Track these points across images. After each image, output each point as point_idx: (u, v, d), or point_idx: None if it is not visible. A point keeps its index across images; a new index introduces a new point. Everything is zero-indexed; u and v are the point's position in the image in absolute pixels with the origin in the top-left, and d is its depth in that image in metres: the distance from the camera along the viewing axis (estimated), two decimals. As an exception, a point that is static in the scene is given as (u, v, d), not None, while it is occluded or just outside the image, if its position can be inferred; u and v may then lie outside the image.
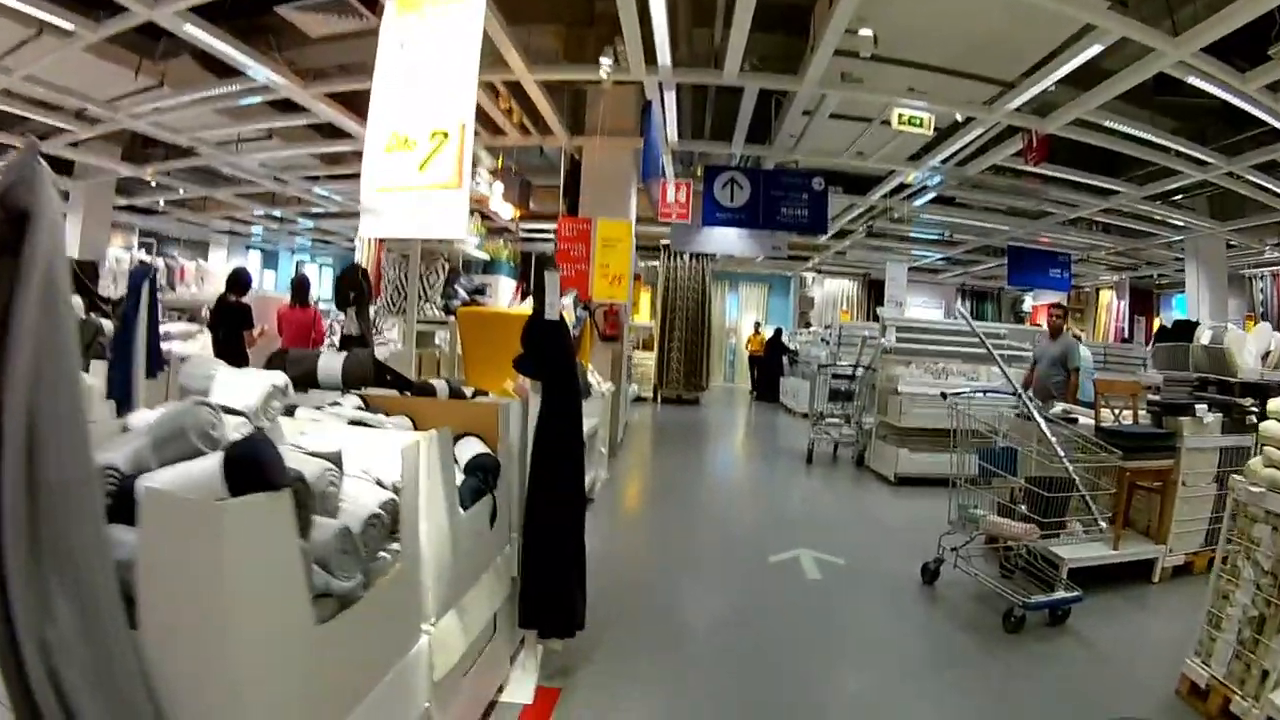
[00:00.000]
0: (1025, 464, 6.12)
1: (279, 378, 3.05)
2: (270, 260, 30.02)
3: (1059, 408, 7.35)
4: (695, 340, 21.00)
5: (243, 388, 2.94)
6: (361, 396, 4.03)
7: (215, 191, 18.26)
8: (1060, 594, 5.56)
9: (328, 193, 17.89)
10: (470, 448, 3.77)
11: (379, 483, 2.80)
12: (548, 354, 4.20)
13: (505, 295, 8.68)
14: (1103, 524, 5.80)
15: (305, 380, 4.04)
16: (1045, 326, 10.29)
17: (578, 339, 7.67)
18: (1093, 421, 6.86)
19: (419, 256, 7.01)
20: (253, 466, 2.05)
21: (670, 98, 10.46)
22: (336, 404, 3.89)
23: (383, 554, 2.60)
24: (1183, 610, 5.70)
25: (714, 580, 6.52)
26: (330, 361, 4.17)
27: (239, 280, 9.47)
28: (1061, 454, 5.68)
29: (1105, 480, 5.97)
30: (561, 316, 4.27)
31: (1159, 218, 15.46)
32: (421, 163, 4.07)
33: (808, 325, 27.05)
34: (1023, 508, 5.77)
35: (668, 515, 8.59)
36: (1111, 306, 24.68)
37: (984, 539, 6.14)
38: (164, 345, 8.70)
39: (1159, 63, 7.81)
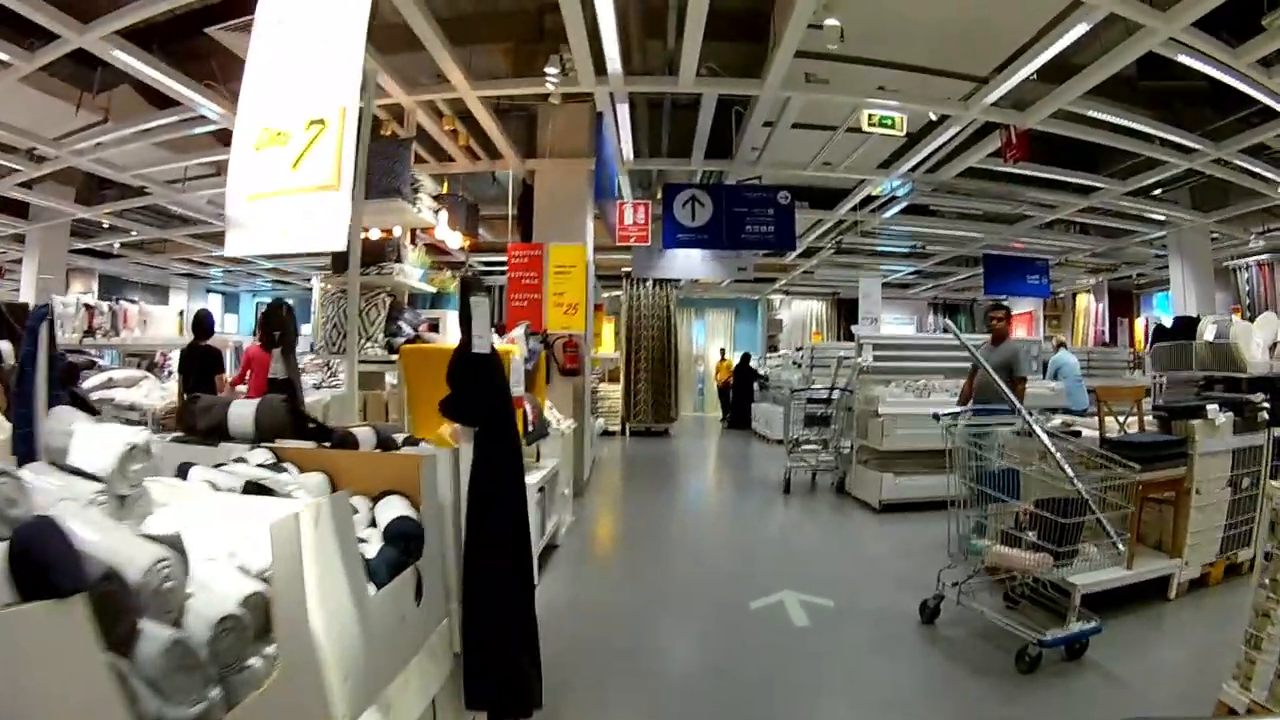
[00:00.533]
0: (1029, 486, 5.54)
1: (139, 434, 2.43)
2: (231, 303, 29.91)
3: (1056, 420, 6.80)
4: (662, 370, 20.31)
5: (99, 446, 2.38)
6: (274, 450, 3.41)
7: (170, 233, 17.86)
8: (1077, 626, 5.01)
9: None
10: (392, 509, 3.14)
11: (245, 570, 2.17)
12: (478, 394, 3.57)
13: (456, 330, 8.13)
14: (1120, 546, 5.23)
15: (216, 431, 3.52)
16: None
17: (532, 374, 7.09)
18: (1095, 433, 6.35)
19: (356, 290, 6.40)
20: (33, 565, 1.46)
21: (624, 112, 10.01)
22: (241, 459, 3.27)
23: (252, 662, 1.98)
24: (1205, 628, 5.41)
25: (692, 633, 5.95)
26: (241, 410, 3.58)
27: (202, 324, 9.16)
28: (1070, 473, 5.12)
29: (1118, 497, 5.40)
30: (493, 349, 3.65)
31: (1140, 213, 15.17)
32: (295, 159, 3.33)
33: (775, 349, 26.63)
34: (1031, 535, 5.18)
35: (639, 559, 7.97)
36: (1090, 310, 24.27)
37: (986, 569, 5.56)
38: (108, 393, 8.41)
39: (1148, 41, 7.41)
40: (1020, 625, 5.04)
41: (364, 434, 3.81)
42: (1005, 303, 10.94)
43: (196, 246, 19.52)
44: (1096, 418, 6.73)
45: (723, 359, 25.57)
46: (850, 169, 12.52)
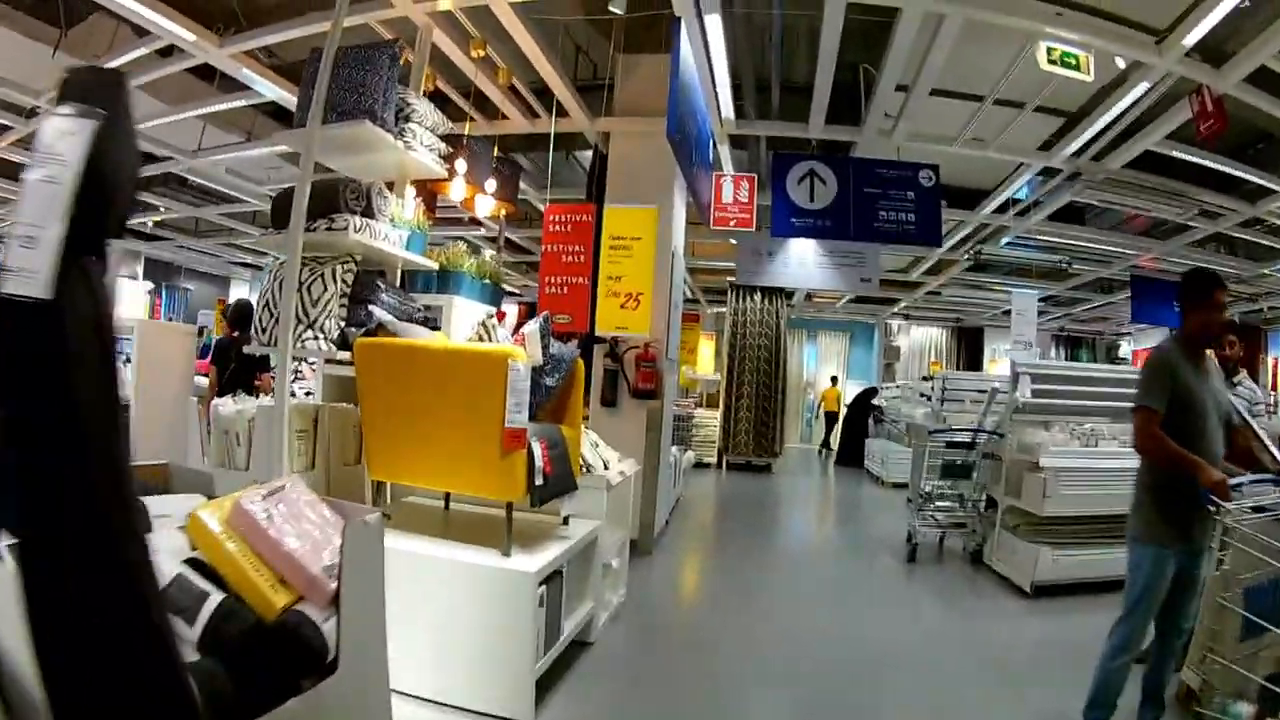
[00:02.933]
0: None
1: None
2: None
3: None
4: (768, 396, 17.62)
5: None
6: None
7: (203, 212, 16.35)
8: None
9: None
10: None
11: None
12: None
13: (464, 325, 5.78)
14: None
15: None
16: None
17: (559, 395, 4.91)
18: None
19: (298, 255, 4.32)
20: None
21: (719, 50, 7.66)
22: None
23: None
24: None
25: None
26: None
27: (243, 314, 8.57)
28: None
29: None
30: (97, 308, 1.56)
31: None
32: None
33: (892, 378, 24.26)
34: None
35: (702, 669, 5.39)
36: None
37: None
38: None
39: None
40: None
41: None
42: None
43: (233, 227, 18.01)
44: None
45: (833, 385, 23.28)
46: (1004, 148, 10.02)
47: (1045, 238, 14.44)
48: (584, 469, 5.38)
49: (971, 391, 11.91)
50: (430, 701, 4.20)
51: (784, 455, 18.34)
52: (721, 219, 10.60)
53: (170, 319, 20.86)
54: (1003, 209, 12.55)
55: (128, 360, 7.27)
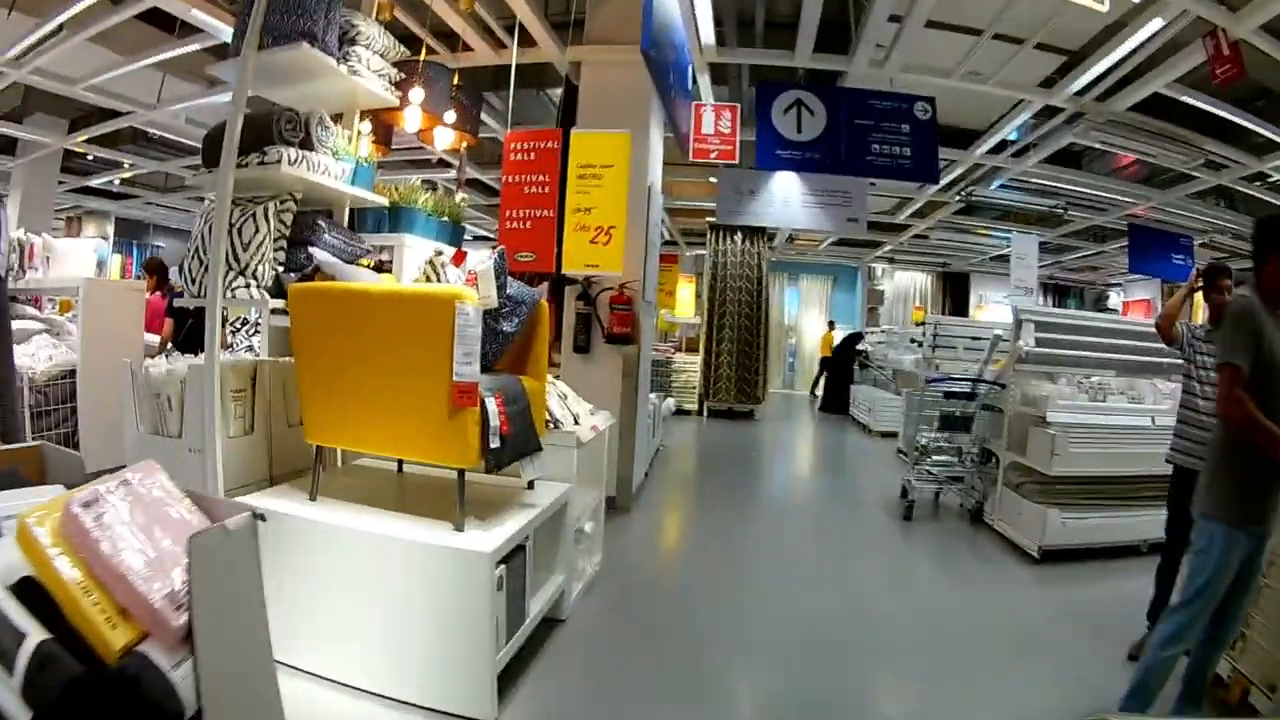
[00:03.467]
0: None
1: None
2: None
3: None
4: (750, 341, 17.02)
5: None
6: None
7: (167, 165, 15.54)
8: None
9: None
10: None
11: None
12: None
13: (413, 265, 5.14)
14: None
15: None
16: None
17: (520, 342, 4.31)
18: None
19: (228, 192, 3.73)
20: None
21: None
22: None
23: None
24: None
25: None
26: None
27: (155, 267, 8.97)
28: None
29: None
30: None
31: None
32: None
33: (875, 323, 23.81)
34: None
35: (693, 644, 4.85)
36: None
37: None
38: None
39: None
40: None
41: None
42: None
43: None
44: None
45: (830, 330, 22.73)
46: (1004, 83, 9.30)
47: (1042, 181, 13.75)
48: (551, 425, 4.76)
49: (964, 338, 11.41)
50: (384, 698, 3.64)
51: (766, 401, 17.77)
52: (701, 150, 9.82)
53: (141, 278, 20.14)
54: (997, 149, 11.93)
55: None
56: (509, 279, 4.09)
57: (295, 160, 4.06)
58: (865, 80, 9.39)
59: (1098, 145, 10.84)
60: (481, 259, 4.01)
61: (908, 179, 10.28)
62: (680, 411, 16.13)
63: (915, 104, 9.14)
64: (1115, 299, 24.74)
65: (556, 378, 6.15)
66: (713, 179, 12.58)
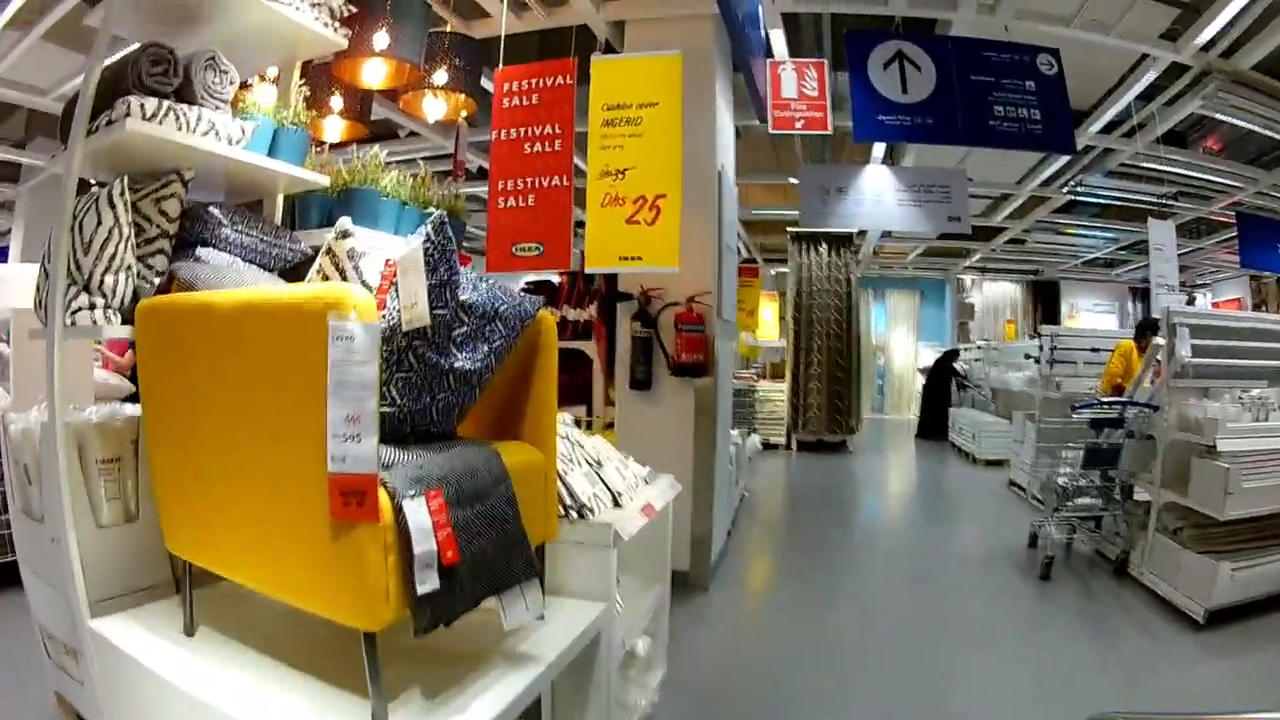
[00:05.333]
0: None
1: None
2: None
3: None
4: (839, 364, 15.51)
5: None
6: None
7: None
8: None
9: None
10: None
11: None
12: None
13: (379, 264, 3.40)
14: None
15: None
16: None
17: (485, 379, 2.55)
18: None
19: (72, 176, 2.62)
20: None
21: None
22: None
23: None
24: None
25: None
26: None
27: None
28: None
29: None
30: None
31: None
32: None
33: (968, 339, 22.44)
34: None
35: None
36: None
37: None
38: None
39: None
40: None
41: None
42: None
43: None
44: None
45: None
46: (1128, 34, 7.73)
47: (1152, 166, 11.84)
48: (571, 514, 3.22)
49: (1084, 350, 10.11)
50: None
51: (859, 430, 16.26)
52: (784, 119, 8.06)
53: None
54: (1107, 129, 10.39)
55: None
56: (460, 272, 2.52)
57: (155, 114, 2.80)
58: (973, 31, 7.96)
59: (1222, 114, 9.30)
60: (407, 243, 2.43)
61: (1039, 147, 8.69)
62: (766, 446, 14.57)
63: (1038, 56, 7.65)
64: (1202, 300, 22.88)
65: (609, 425, 4.80)
66: (793, 180, 11.14)
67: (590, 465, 3.57)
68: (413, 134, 10.66)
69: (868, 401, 22.14)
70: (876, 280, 23.85)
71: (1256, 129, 9.50)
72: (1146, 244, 17.26)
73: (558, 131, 5.71)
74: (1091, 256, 19.84)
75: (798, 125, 8.02)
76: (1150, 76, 8.61)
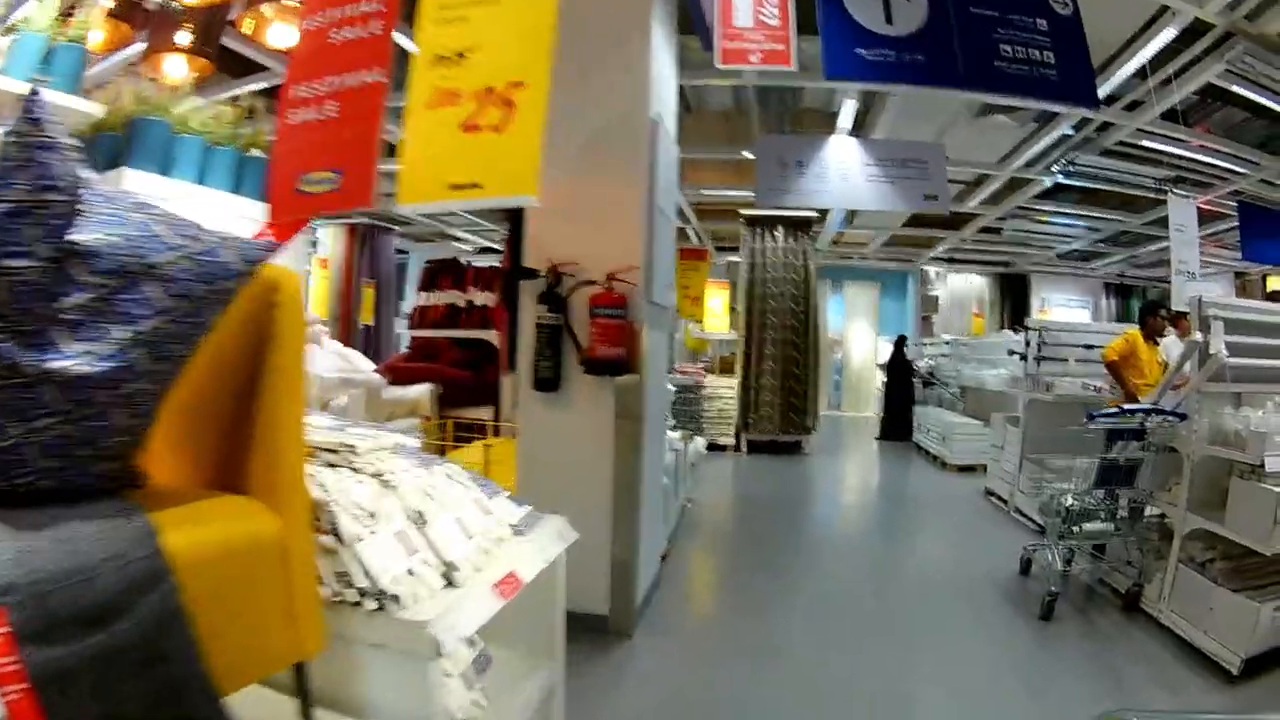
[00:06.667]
0: None
1: None
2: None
3: None
4: (795, 358, 14.29)
5: None
6: None
7: None
8: None
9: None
10: None
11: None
12: None
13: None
14: None
15: None
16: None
17: (134, 381, 1.36)
18: None
19: None
20: None
21: None
22: None
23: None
24: None
25: None
26: None
27: None
28: None
29: None
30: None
31: None
32: None
33: (931, 334, 21.70)
34: None
35: None
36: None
37: None
38: None
39: None
40: None
41: None
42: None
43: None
44: None
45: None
46: None
47: (1152, 145, 10.87)
48: (366, 600, 1.94)
49: (1077, 347, 9.20)
50: None
51: (816, 430, 14.98)
52: (735, 52, 6.36)
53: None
54: (1107, 102, 9.19)
55: None
56: (147, 212, 1.42)
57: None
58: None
59: (1239, 87, 8.21)
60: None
61: (1055, 97, 6.99)
62: (714, 447, 13.44)
63: (1051, -8, 6.28)
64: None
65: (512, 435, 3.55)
66: (748, 154, 10.01)
67: (409, 521, 2.22)
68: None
69: (825, 398, 21.15)
70: (834, 270, 22.75)
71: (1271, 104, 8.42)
72: (1128, 235, 16.69)
73: (378, 8, 3.82)
74: (1068, 249, 18.97)
75: (753, 59, 6.40)
76: (1170, 34, 7.36)
